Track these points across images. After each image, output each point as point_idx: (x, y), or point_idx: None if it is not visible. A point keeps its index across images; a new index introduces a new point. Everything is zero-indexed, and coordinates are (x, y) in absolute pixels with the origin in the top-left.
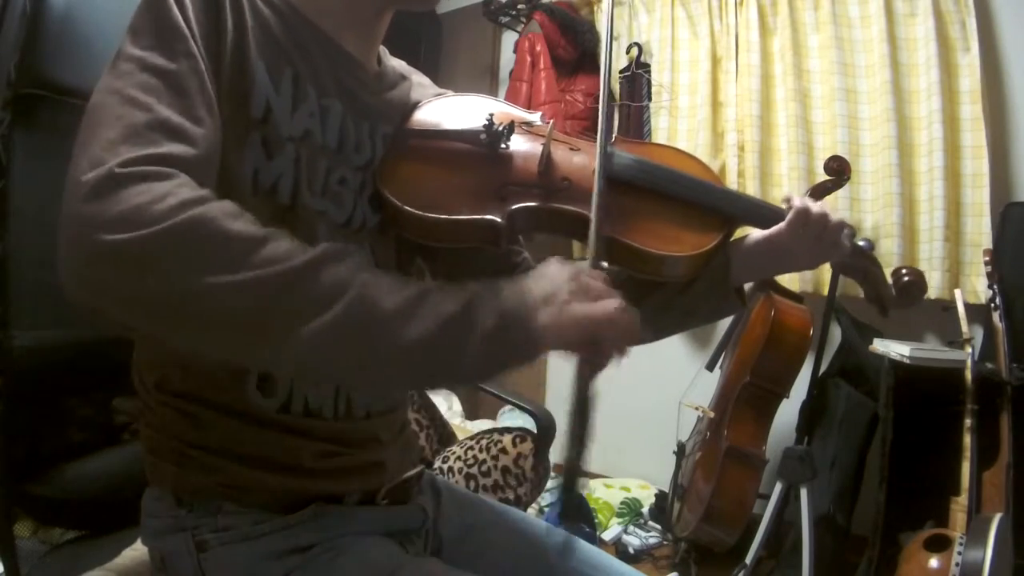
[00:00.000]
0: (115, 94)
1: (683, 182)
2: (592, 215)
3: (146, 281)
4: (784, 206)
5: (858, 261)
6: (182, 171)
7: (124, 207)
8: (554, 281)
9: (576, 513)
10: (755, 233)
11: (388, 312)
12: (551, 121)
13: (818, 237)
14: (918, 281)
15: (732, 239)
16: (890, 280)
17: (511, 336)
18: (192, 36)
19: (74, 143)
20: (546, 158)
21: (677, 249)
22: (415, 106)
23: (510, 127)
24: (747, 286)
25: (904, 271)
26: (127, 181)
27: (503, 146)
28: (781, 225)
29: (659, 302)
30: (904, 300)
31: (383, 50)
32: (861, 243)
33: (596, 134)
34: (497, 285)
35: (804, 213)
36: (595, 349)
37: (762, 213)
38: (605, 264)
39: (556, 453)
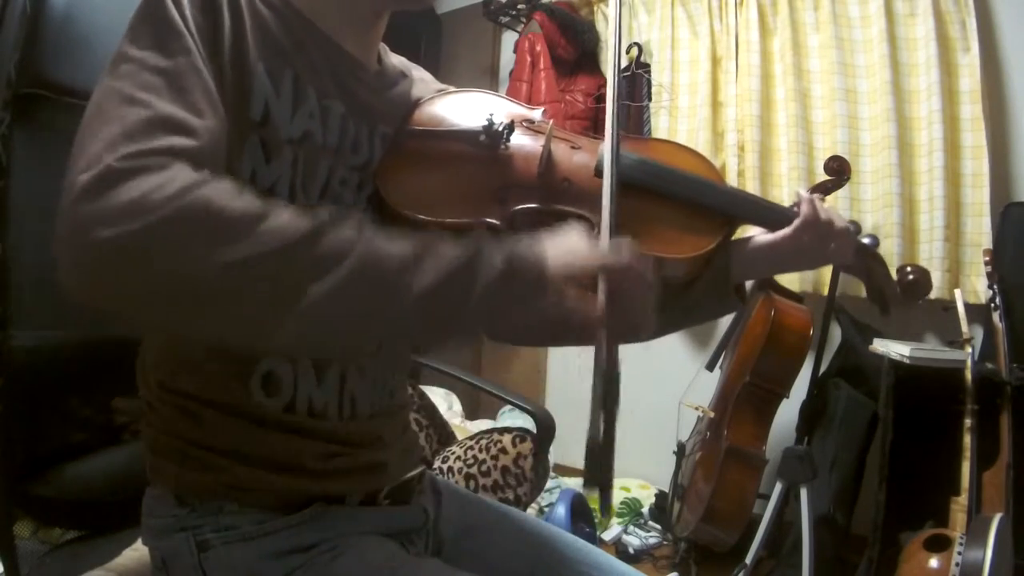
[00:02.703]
0: (114, 94)
1: (684, 182)
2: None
3: (151, 271)
4: (795, 201)
5: (863, 260)
6: (183, 160)
7: (122, 200)
8: (566, 232)
9: (605, 493)
10: (758, 235)
11: (395, 264)
12: (551, 120)
13: (823, 243)
14: (922, 279)
15: (733, 238)
16: (895, 277)
17: (519, 277)
18: (190, 34)
19: (74, 144)
20: (546, 159)
21: (677, 251)
22: (416, 103)
23: (510, 127)
24: (747, 284)
25: (909, 269)
26: (125, 175)
27: (502, 147)
28: (786, 231)
29: (657, 300)
30: (908, 298)
31: (383, 47)
32: (866, 241)
33: (596, 132)
34: (504, 239)
35: (811, 223)
36: (611, 298)
37: (763, 212)
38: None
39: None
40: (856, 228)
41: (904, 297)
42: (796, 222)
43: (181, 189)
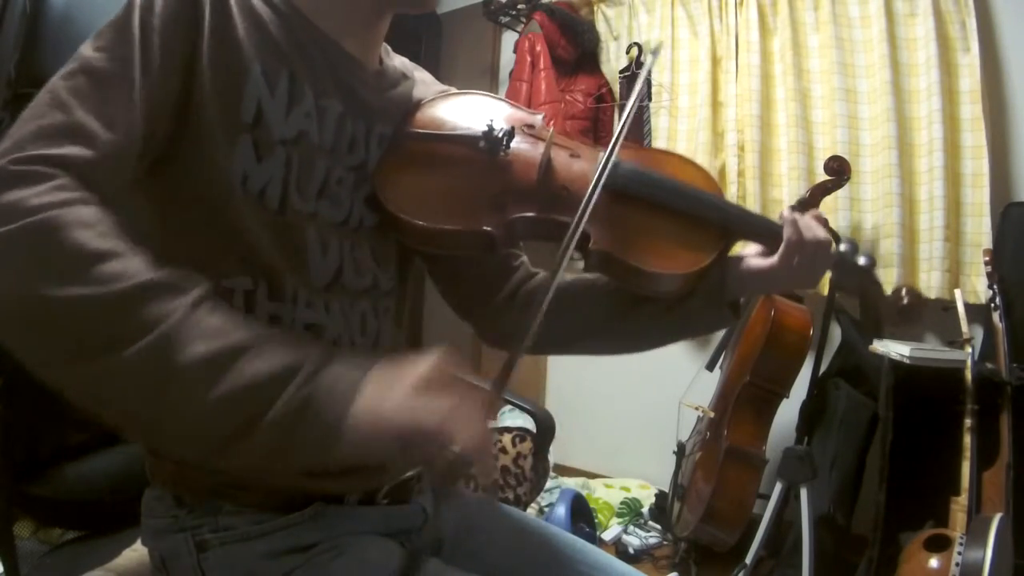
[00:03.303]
0: (50, 92)
1: (683, 194)
2: (569, 233)
3: None
4: (779, 222)
5: (857, 280)
6: (73, 173)
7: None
8: (409, 371)
9: None
10: (751, 258)
11: (190, 360)
12: (551, 127)
13: (813, 262)
14: (916, 304)
15: (730, 254)
16: (891, 294)
17: (312, 418)
18: (144, 43)
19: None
20: (545, 167)
21: (673, 267)
22: (416, 105)
23: (510, 133)
24: (742, 300)
25: (904, 291)
26: (11, 179)
27: (502, 153)
28: (774, 259)
29: (652, 313)
30: (903, 320)
31: (386, 48)
32: (861, 261)
33: (596, 132)
34: (338, 358)
35: (796, 246)
36: (427, 455)
37: (760, 229)
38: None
39: (554, 454)
40: (853, 247)
41: (900, 319)
42: (781, 248)
43: (39, 206)
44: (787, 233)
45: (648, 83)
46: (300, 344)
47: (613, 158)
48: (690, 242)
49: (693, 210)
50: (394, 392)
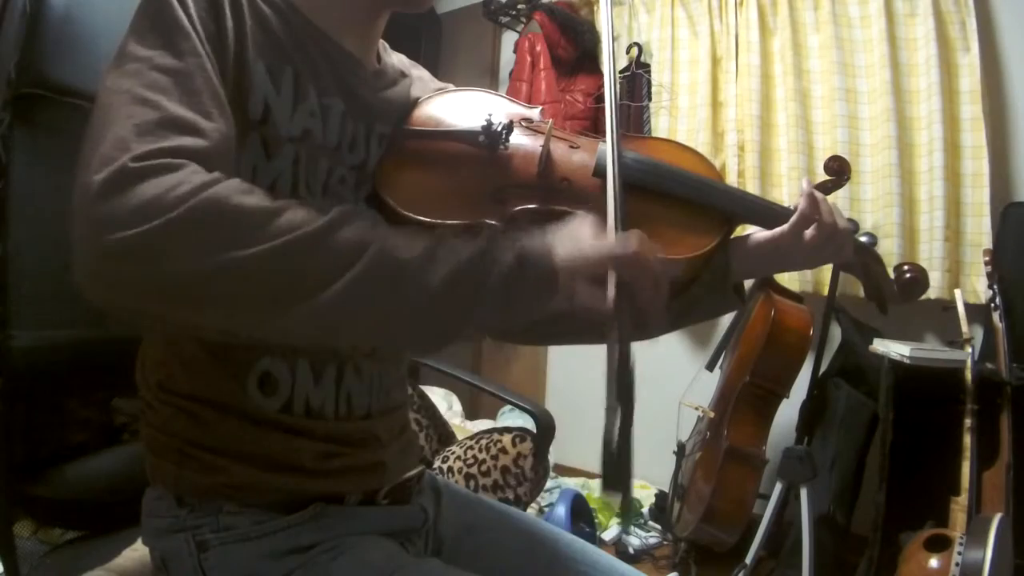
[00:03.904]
0: (124, 94)
1: (683, 180)
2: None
3: (169, 267)
4: (782, 209)
5: (860, 258)
6: (194, 161)
7: (138, 201)
8: (577, 223)
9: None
10: (757, 233)
11: (409, 260)
12: (550, 120)
13: (822, 239)
14: (920, 278)
15: (732, 236)
16: (892, 276)
17: (531, 270)
18: (197, 35)
19: (83, 143)
20: (545, 159)
21: (676, 252)
22: (415, 103)
23: (509, 127)
24: (747, 283)
25: (906, 268)
26: (140, 175)
27: (502, 147)
28: (784, 227)
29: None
30: (905, 297)
31: (383, 45)
32: (863, 239)
33: (595, 131)
34: (519, 229)
35: (809, 218)
36: (622, 290)
37: (762, 211)
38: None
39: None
40: (854, 226)
41: (902, 295)
42: (794, 217)
43: (195, 188)
44: (802, 205)
45: (648, 83)
46: (470, 234)
47: (615, 144)
48: (692, 226)
49: (693, 194)
50: (583, 239)
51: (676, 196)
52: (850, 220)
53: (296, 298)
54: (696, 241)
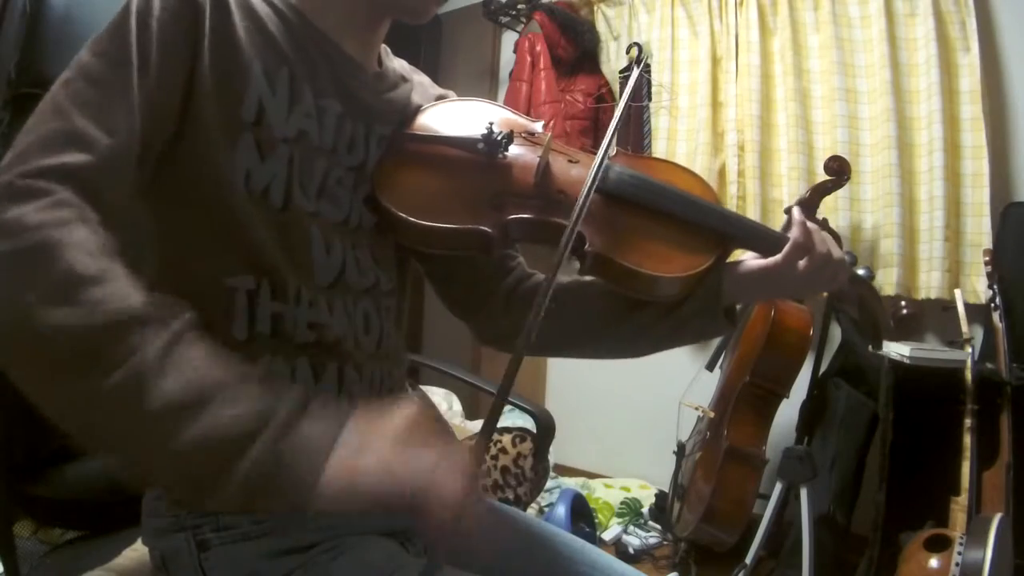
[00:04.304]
0: (50, 100)
1: (681, 201)
2: (568, 230)
3: None
4: (785, 222)
5: (856, 289)
6: (74, 182)
7: (2, 218)
8: (388, 425)
9: None
10: (750, 260)
11: (162, 400)
12: (550, 133)
13: (815, 269)
14: (917, 315)
15: (727, 260)
16: (888, 310)
17: (278, 482)
18: (142, 43)
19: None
20: (543, 170)
21: (669, 270)
22: (417, 110)
23: (509, 136)
24: (738, 307)
25: (903, 304)
26: (16, 194)
27: (501, 155)
28: (778, 257)
29: (648, 318)
30: (901, 333)
31: (385, 50)
32: (860, 272)
33: (596, 133)
34: (313, 407)
35: (801, 248)
36: (418, 511)
37: (759, 236)
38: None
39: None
40: (851, 258)
41: (898, 329)
42: (787, 247)
43: (39, 223)
44: (795, 234)
45: (648, 83)
46: (275, 389)
47: (608, 157)
48: (687, 246)
49: (690, 215)
50: (372, 448)
51: (672, 214)
52: (848, 252)
53: (58, 378)
54: (690, 260)
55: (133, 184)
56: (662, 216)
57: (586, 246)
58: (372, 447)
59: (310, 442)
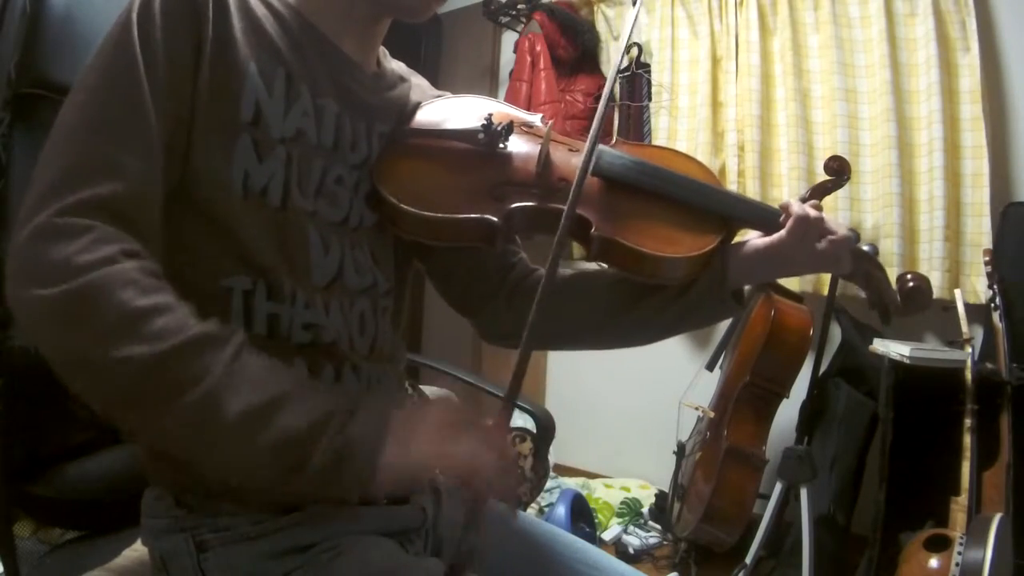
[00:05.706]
0: (66, 127)
1: (682, 184)
2: (564, 215)
3: (49, 335)
4: (782, 214)
5: (861, 265)
6: (109, 213)
7: (49, 260)
8: (426, 418)
9: None
10: (755, 238)
11: (233, 415)
12: (550, 122)
13: (820, 244)
14: (923, 287)
15: (732, 242)
16: (894, 286)
17: (343, 475)
18: (149, 55)
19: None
20: (544, 159)
21: (675, 251)
22: (415, 107)
23: (508, 127)
24: (746, 289)
25: (909, 276)
26: (57, 234)
27: (501, 146)
28: (782, 233)
29: (656, 304)
30: (909, 307)
31: (384, 52)
32: (865, 248)
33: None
34: (362, 407)
35: (804, 220)
36: (471, 488)
37: (762, 216)
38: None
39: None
40: (856, 236)
41: (905, 305)
42: (790, 223)
43: (85, 265)
44: (794, 208)
45: (648, 83)
46: (329, 393)
47: (607, 143)
48: (692, 228)
49: (692, 197)
50: (417, 440)
51: (675, 198)
52: (851, 229)
53: (135, 407)
54: (695, 241)
55: (164, 198)
56: (665, 199)
57: (592, 230)
58: (418, 437)
59: (366, 439)
